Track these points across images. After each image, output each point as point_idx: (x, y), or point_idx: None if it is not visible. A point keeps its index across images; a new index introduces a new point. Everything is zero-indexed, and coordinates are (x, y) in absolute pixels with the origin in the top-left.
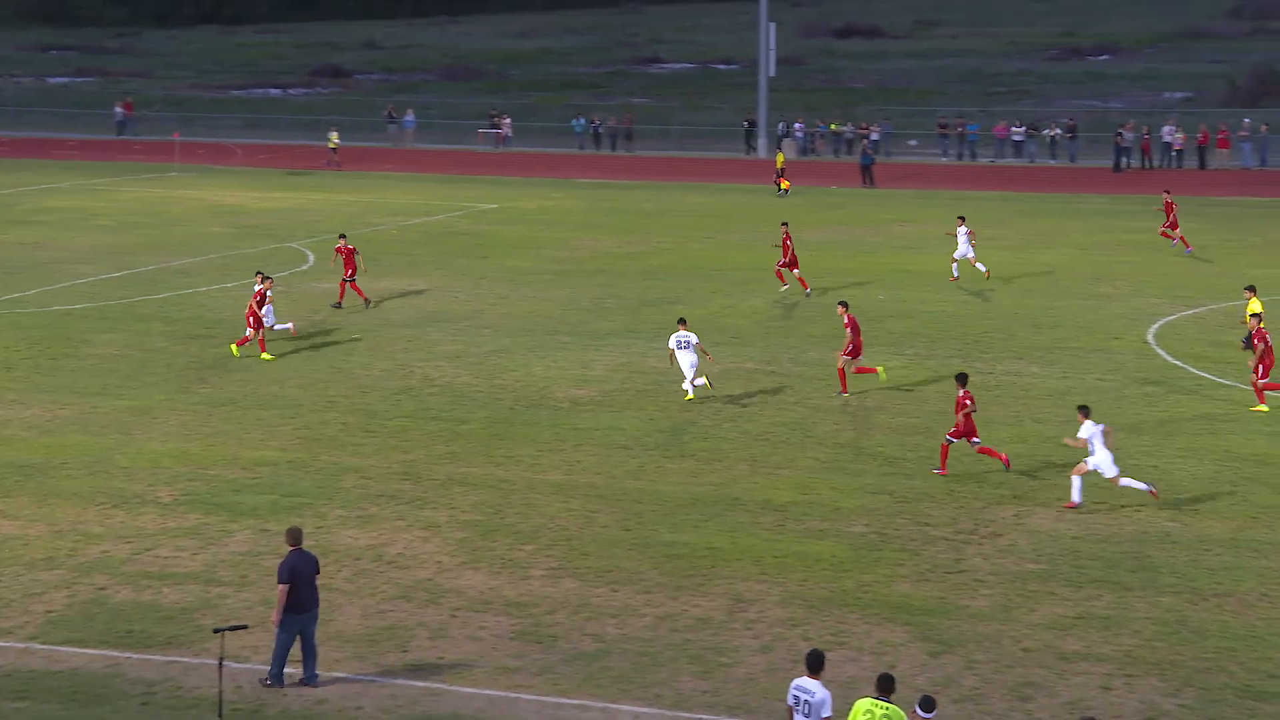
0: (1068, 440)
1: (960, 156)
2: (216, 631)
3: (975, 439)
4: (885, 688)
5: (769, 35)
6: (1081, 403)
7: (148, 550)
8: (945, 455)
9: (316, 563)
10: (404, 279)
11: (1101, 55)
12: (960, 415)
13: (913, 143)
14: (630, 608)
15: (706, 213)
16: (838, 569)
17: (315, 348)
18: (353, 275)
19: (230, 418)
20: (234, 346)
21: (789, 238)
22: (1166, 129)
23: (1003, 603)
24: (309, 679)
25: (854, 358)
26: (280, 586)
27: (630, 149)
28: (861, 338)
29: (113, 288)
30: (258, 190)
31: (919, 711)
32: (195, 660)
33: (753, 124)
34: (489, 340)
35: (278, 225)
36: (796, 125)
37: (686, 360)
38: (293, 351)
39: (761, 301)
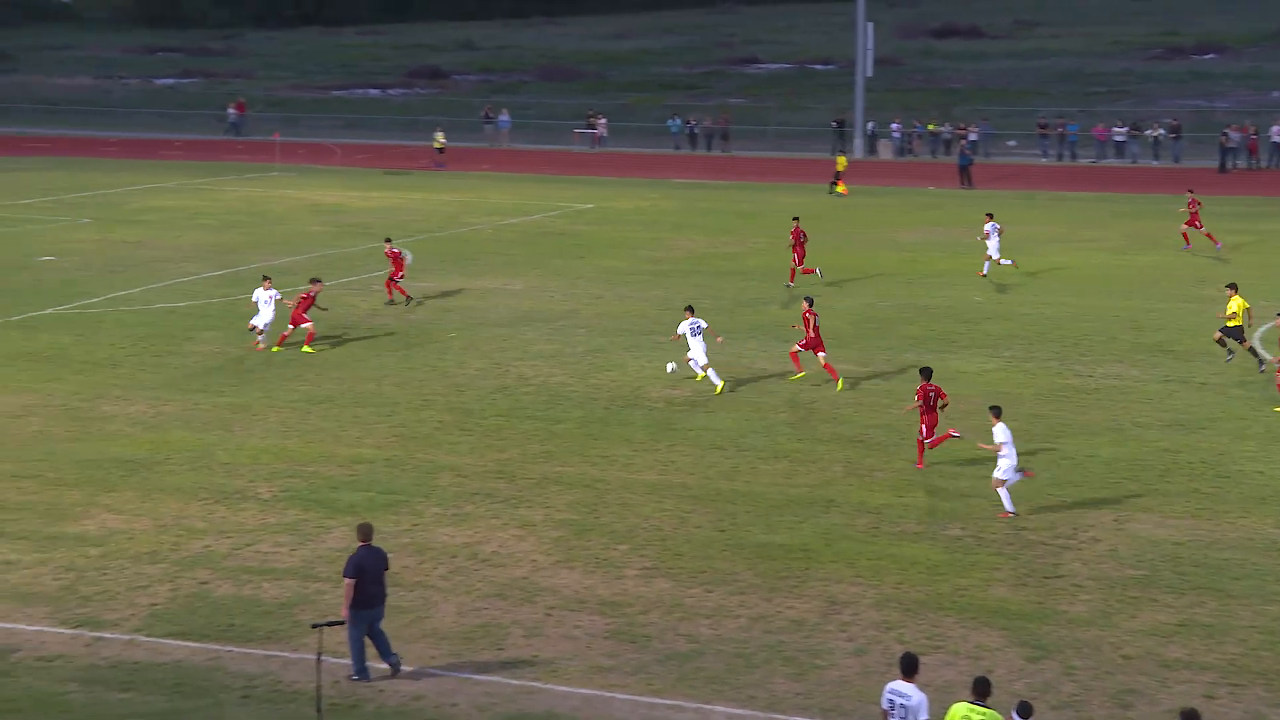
0: (981, 445)
1: (1060, 157)
2: (314, 627)
3: (931, 435)
4: (982, 691)
5: (866, 35)
6: (995, 404)
7: (248, 545)
8: (942, 444)
9: (385, 559)
10: (500, 278)
11: (1206, 54)
12: (916, 408)
13: (1012, 143)
14: (724, 609)
15: (802, 213)
16: (933, 572)
17: (411, 346)
18: (400, 276)
19: (328, 415)
20: (306, 347)
21: (800, 233)
22: (1276, 129)
23: (1102, 608)
24: (393, 664)
25: (815, 351)
26: (347, 581)
27: (726, 149)
28: (819, 336)
29: (214, 286)
30: (357, 190)
31: (1016, 717)
32: (294, 655)
33: (841, 124)
34: (584, 340)
35: (376, 224)
36: (893, 125)
37: (698, 347)
38: (389, 349)
39: (856, 302)
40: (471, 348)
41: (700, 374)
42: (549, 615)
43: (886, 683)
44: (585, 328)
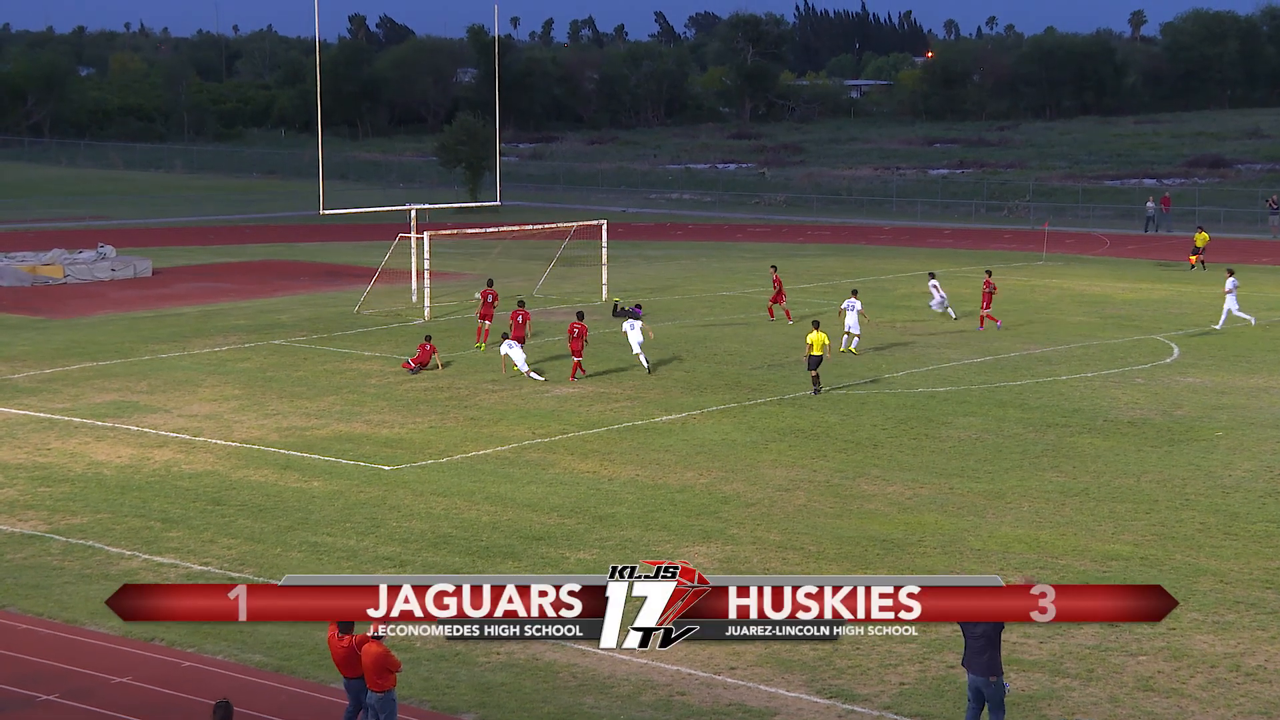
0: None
1: None
2: None
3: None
4: None
5: None
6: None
7: None
8: (574, 370)
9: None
10: (1275, 376)
11: None
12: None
13: None
14: None
15: None
16: None
17: (1174, 443)
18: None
19: (1082, 508)
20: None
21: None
22: None
23: None
24: None
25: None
26: None
27: None
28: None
29: (975, 373)
30: (1124, 281)
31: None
32: None
33: None
34: None
35: (1142, 317)
36: None
37: None
38: (1150, 444)
39: None
40: (1240, 448)
41: None
42: None
43: None
44: None
